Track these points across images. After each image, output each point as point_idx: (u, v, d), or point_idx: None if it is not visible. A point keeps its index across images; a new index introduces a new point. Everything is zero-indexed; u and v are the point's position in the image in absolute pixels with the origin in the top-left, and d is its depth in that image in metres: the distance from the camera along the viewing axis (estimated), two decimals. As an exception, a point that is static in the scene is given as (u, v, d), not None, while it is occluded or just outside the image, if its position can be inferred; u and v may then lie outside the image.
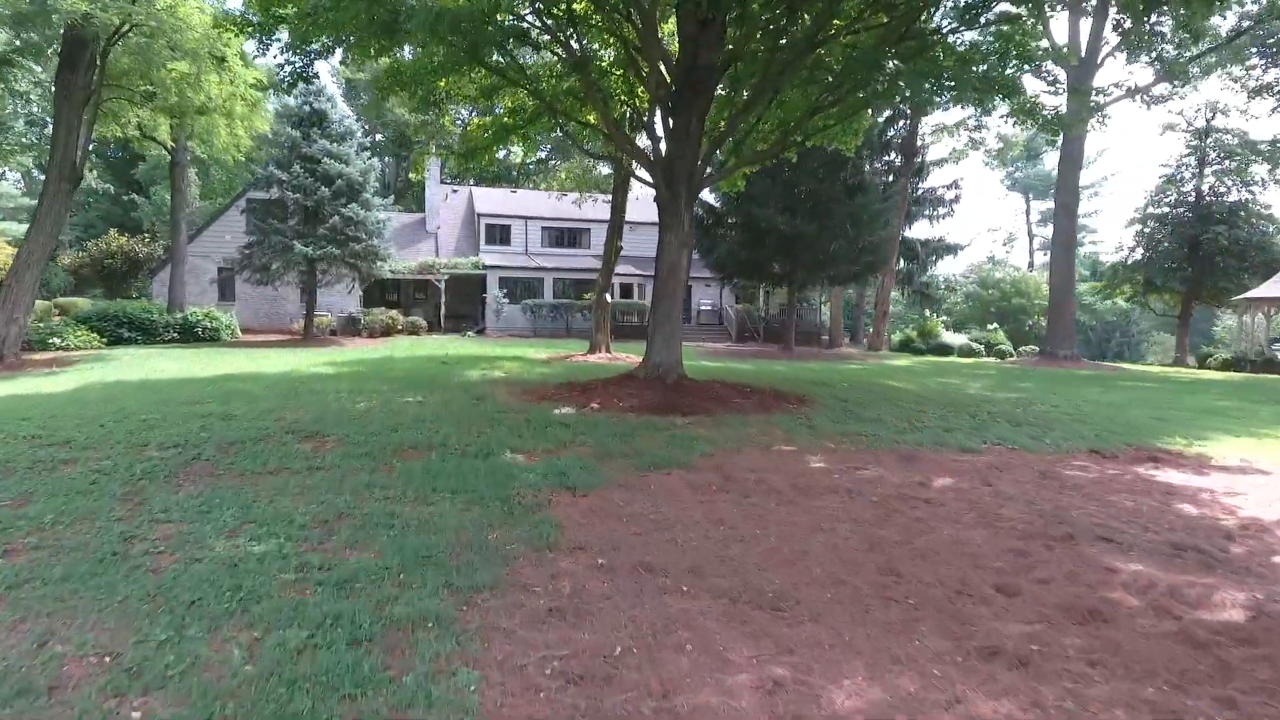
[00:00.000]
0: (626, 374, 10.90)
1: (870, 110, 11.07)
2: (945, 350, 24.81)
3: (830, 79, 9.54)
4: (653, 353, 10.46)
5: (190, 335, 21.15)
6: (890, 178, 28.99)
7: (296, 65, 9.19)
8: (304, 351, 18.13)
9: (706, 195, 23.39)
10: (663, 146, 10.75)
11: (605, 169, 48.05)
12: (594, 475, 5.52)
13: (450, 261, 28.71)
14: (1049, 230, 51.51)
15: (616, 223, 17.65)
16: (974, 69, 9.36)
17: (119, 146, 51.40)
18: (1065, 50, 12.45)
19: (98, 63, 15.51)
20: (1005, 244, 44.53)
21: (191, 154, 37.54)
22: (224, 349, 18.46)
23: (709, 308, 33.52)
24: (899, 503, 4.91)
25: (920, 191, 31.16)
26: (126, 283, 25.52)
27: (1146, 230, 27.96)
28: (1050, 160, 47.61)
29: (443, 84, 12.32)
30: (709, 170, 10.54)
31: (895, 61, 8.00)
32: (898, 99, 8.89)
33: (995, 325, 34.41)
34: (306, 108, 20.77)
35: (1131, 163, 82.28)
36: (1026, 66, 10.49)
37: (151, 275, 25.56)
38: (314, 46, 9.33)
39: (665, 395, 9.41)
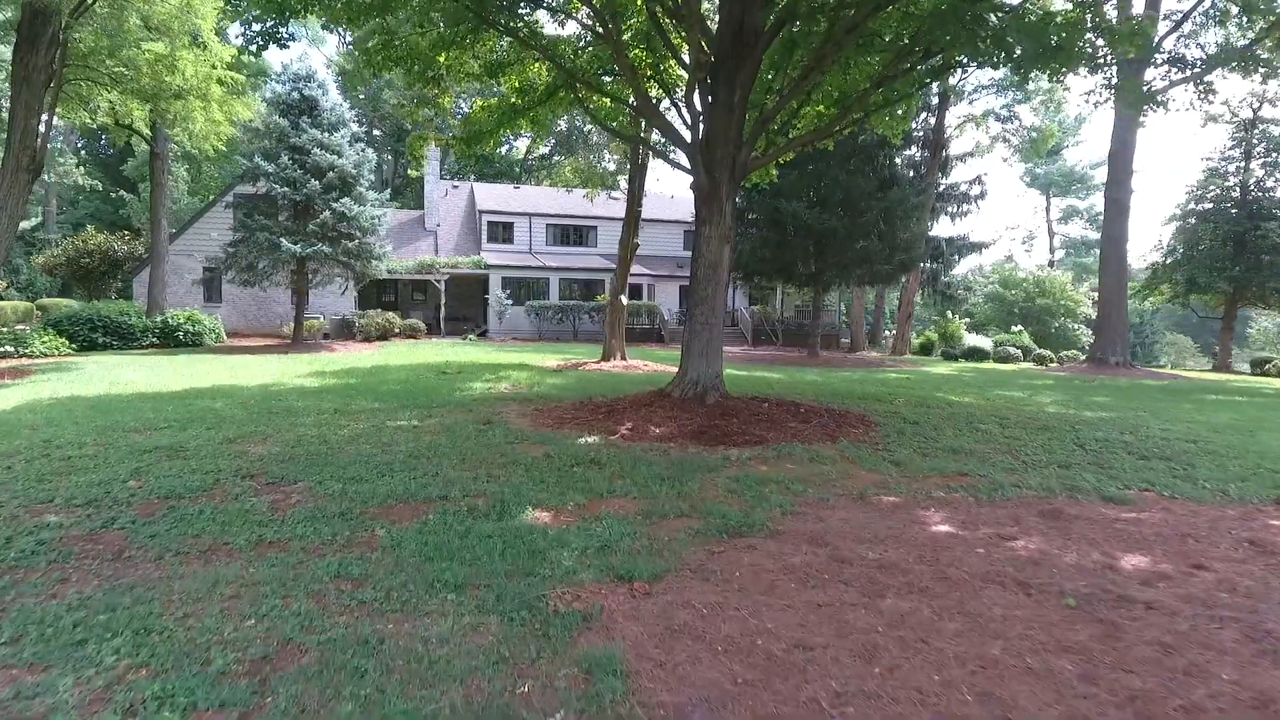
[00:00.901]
0: (658, 391, 9.37)
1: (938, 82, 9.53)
2: (979, 355, 23.25)
3: (905, 40, 8.02)
4: (689, 366, 8.93)
5: (171, 340, 19.66)
6: (910, 172, 27.49)
7: (266, 24, 7.68)
8: (291, 358, 16.61)
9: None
10: (701, 128, 9.22)
11: (611, 164, 46.63)
12: (651, 550, 4.01)
13: (450, 261, 27.21)
14: (1070, 228, 50.06)
15: (633, 216, 16.13)
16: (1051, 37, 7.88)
17: (109, 142, 49.98)
18: (1144, 22, 10.94)
19: (60, 40, 14.00)
20: (1024, 242, 43.02)
21: (180, 148, 35.99)
22: (205, 356, 16.94)
23: (721, 309, 31.97)
24: (1108, 608, 3.39)
25: (943, 187, 29.66)
26: (104, 283, 24.02)
27: (1188, 227, 26.42)
28: (1073, 155, 46.10)
29: (442, 59, 10.85)
30: (754, 153, 9.01)
31: (998, 15, 6.50)
32: (998, 60, 7.36)
33: (1019, 327, 32.92)
34: (295, 95, 19.26)
35: (1157, 160, 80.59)
36: (1102, 40, 8.99)
37: (133, 275, 24.04)
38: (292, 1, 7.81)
39: (708, 419, 7.90)
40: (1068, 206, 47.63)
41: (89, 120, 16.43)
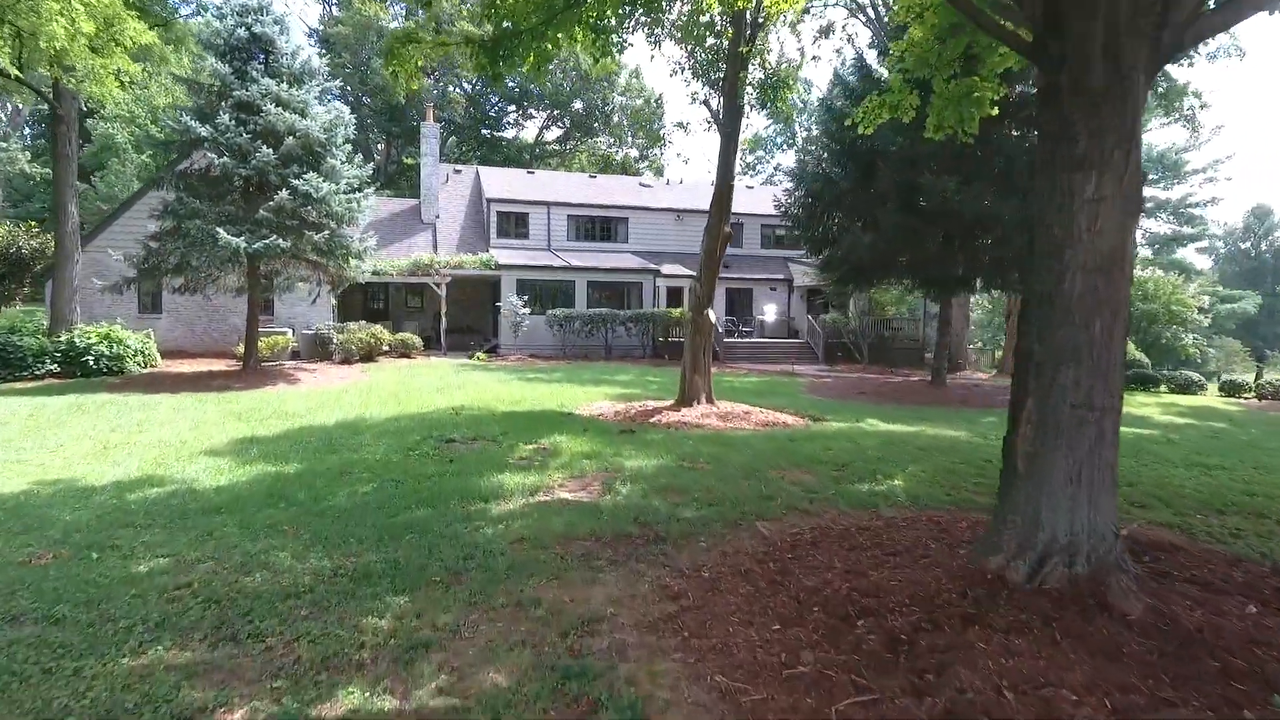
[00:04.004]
0: (959, 569, 4.16)
1: None
2: (1144, 380, 18.01)
3: None
4: (1040, 506, 3.76)
5: (78, 367, 14.47)
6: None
7: None
8: (226, 401, 11.43)
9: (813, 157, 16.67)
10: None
11: (634, 151, 41.36)
12: None
13: (454, 260, 22.05)
14: (1153, 224, 44.66)
15: (723, 195, 10.98)
16: None
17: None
18: None
19: None
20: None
21: (144, 131, 30.74)
22: (101, 397, 11.74)
23: (775, 318, 26.93)
24: None
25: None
26: (5, 288, 18.83)
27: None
28: (1159, 138, 40.77)
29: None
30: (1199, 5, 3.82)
31: None
32: None
33: (1123, 337, 27.63)
34: (241, 32, 14.06)
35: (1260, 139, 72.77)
36: None
37: (46, 278, 18.82)
38: None
39: (1185, 695, 2.77)
40: (1150, 198, 42.11)
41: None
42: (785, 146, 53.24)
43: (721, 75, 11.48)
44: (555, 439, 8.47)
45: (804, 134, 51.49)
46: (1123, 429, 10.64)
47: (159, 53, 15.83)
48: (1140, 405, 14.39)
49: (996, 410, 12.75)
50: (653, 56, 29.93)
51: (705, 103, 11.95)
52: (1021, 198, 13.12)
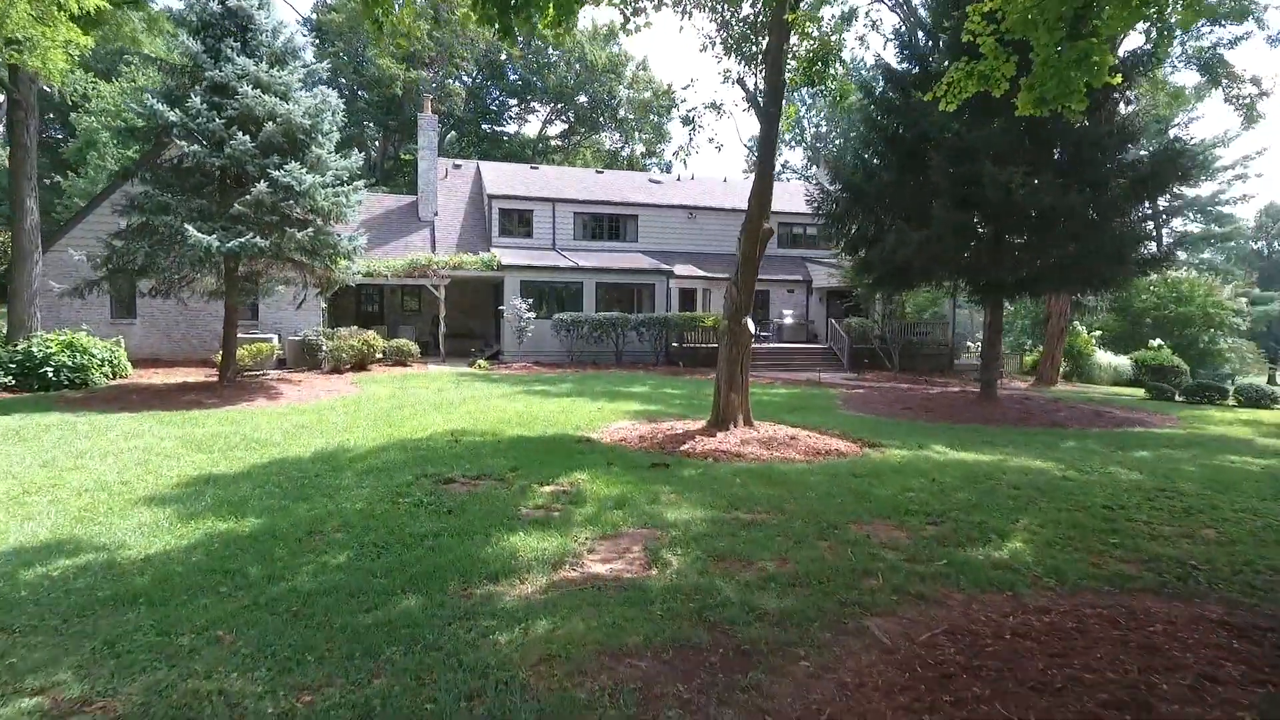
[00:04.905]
0: None
1: None
2: (1211, 393, 16.40)
3: None
4: None
5: (36, 379, 13.05)
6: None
7: None
8: (190, 421, 9.94)
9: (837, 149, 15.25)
10: None
11: (639, 146, 39.97)
12: None
13: (453, 260, 20.59)
14: (1178, 222, 43.13)
15: (765, 183, 9.50)
16: None
17: (58, 120, 43.11)
18: None
19: None
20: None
21: (125, 123, 29.37)
22: (52, 415, 10.26)
23: (793, 321, 25.48)
24: None
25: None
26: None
27: None
28: (1196, 130, 39.19)
29: None
30: None
31: None
32: None
33: (1160, 342, 26.44)
34: (214, 5, 12.60)
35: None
36: None
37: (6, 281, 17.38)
38: None
39: None
40: (1174, 195, 40.48)
41: None
42: (793, 144, 51.78)
43: (758, 49, 10.07)
44: (576, 477, 7.01)
45: (812, 130, 49.99)
46: (1230, 456, 9.13)
47: (129, 33, 14.38)
48: (1221, 423, 12.88)
49: (1068, 432, 11.29)
50: (681, 28, 28.37)
51: (740, 81, 10.51)
52: (1089, 191, 11.68)
